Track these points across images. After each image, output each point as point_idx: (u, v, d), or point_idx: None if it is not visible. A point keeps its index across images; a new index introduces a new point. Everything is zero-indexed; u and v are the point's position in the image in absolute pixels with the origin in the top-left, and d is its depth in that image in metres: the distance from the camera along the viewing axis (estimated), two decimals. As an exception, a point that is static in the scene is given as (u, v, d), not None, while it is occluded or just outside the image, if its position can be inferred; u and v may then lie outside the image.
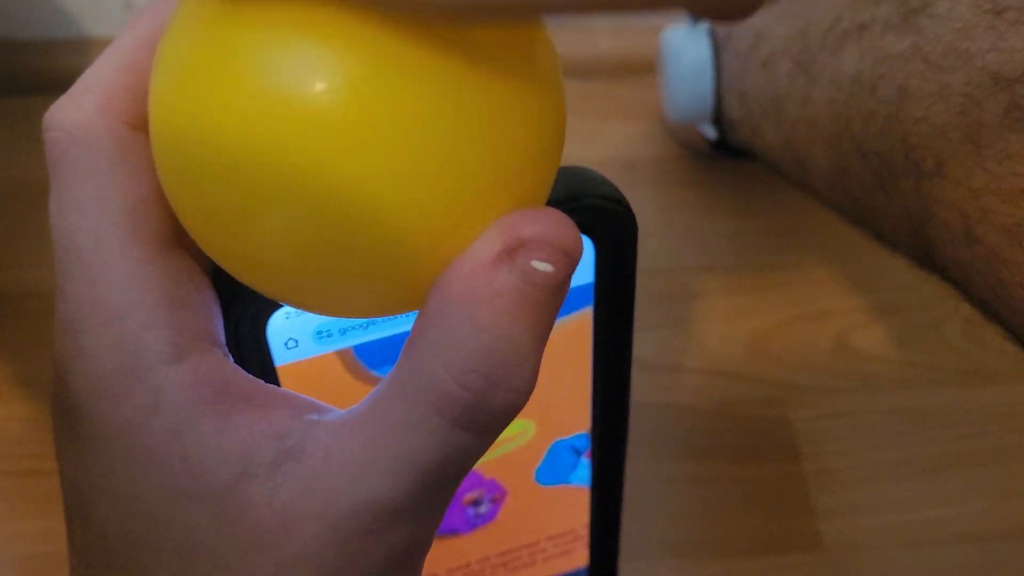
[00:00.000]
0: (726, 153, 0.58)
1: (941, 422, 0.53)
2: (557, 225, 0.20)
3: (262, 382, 0.23)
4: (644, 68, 0.64)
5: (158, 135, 0.20)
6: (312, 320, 0.28)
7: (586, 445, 0.36)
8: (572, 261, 0.20)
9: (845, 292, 0.57)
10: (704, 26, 0.54)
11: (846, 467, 0.51)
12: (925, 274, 0.40)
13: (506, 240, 0.20)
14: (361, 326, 0.29)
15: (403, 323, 0.30)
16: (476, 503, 0.36)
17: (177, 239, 0.22)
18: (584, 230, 0.28)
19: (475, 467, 0.32)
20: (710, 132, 0.57)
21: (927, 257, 0.38)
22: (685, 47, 0.54)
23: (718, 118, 0.55)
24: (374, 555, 0.21)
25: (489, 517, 0.37)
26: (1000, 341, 0.37)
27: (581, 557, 0.40)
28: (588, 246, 0.29)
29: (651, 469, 0.49)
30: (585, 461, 0.36)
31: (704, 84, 0.53)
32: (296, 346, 0.28)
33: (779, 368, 0.54)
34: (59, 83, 0.61)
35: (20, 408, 0.51)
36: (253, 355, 0.27)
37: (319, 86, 0.17)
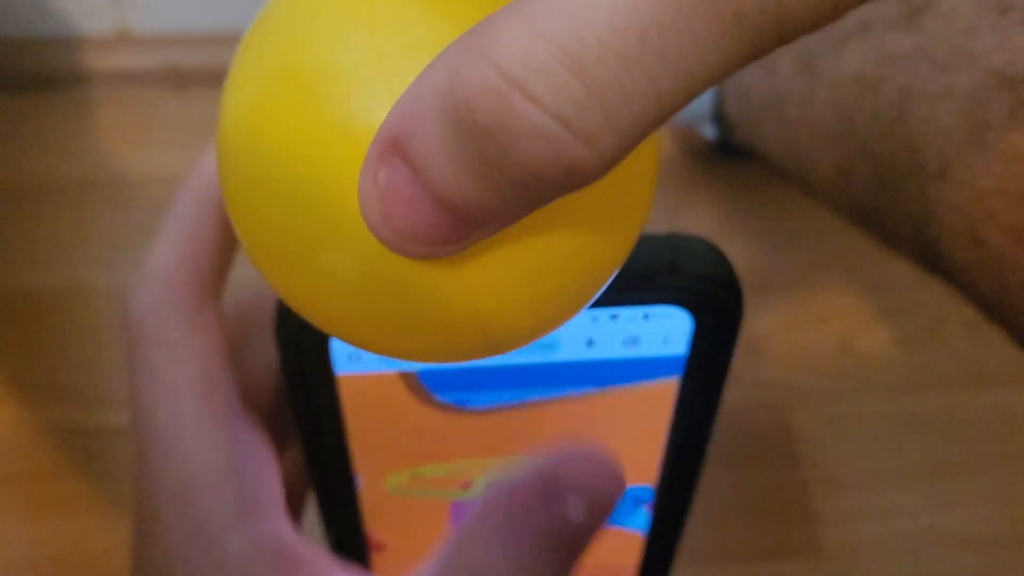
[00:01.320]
0: (726, 154, 0.58)
1: (944, 426, 0.53)
2: (599, 474, 0.22)
3: (316, 547, 0.25)
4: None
5: (228, 163, 0.19)
6: None
7: (648, 498, 0.35)
8: (606, 512, 0.22)
9: (847, 295, 0.57)
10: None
11: (847, 472, 0.51)
12: (928, 276, 0.39)
13: (545, 477, 0.22)
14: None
15: None
16: None
17: (241, 403, 0.25)
18: (682, 303, 0.27)
19: None
20: (710, 133, 0.57)
21: (930, 259, 0.38)
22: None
23: (718, 118, 0.54)
24: None
25: None
26: (1003, 344, 0.36)
27: None
28: (685, 319, 0.28)
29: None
30: (644, 511, 0.36)
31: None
32: (359, 360, 0.28)
33: (780, 371, 0.54)
34: (49, 81, 0.61)
35: (7, 412, 0.51)
36: (314, 361, 0.27)
37: None
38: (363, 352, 0.28)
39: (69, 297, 0.55)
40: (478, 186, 0.14)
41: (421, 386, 0.30)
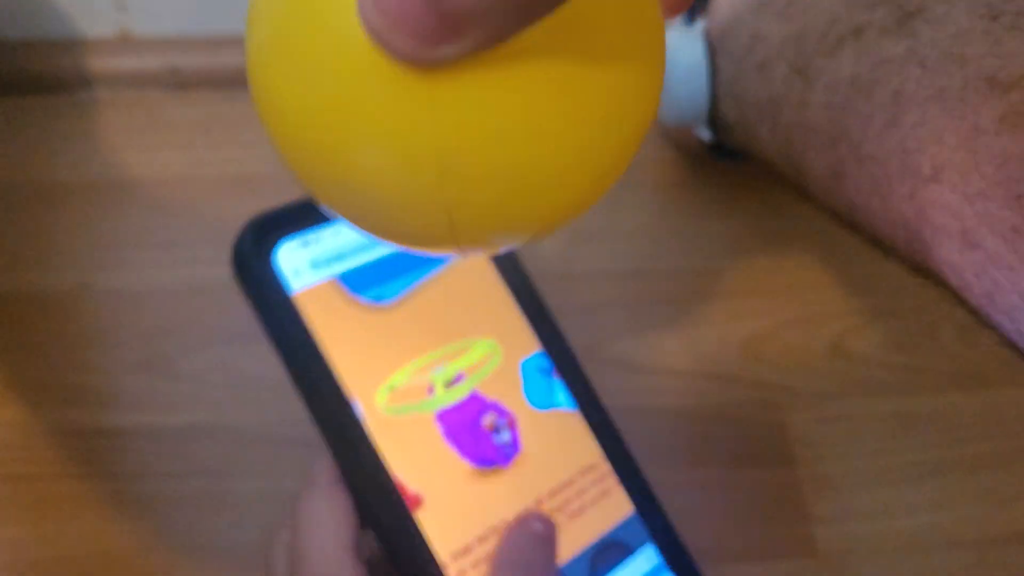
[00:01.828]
0: (721, 155, 0.58)
1: (936, 426, 0.53)
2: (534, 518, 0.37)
3: None
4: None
5: (261, 91, 0.21)
6: (310, 251, 0.36)
7: (548, 364, 0.40)
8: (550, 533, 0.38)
9: (840, 295, 0.57)
10: (699, 28, 0.54)
11: (841, 472, 0.51)
12: (920, 278, 0.40)
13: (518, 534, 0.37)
14: (349, 254, 0.37)
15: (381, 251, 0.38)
16: (496, 429, 0.38)
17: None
18: None
19: (477, 390, 0.38)
20: (705, 134, 0.57)
21: (923, 261, 0.38)
22: (680, 49, 0.54)
23: (713, 121, 0.55)
24: None
25: (515, 447, 0.39)
26: (995, 345, 0.37)
27: (624, 499, 0.42)
28: None
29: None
30: (558, 382, 0.40)
31: (699, 87, 0.53)
32: (301, 275, 0.37)
33: (774, 372, 0.54)
34: (50, 83, 0.61)
35: (9, 413, 0.51)
36: (269, 288, 0.36)
37: None
38: (302, 268, 0.36)
39: (71, 298, 0.55)
40: None
41: (344, 291, 0.37)
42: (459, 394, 0.38)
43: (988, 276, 0.34)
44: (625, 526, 0.41)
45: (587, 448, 0.41)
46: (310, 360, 0.36)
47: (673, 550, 0.42)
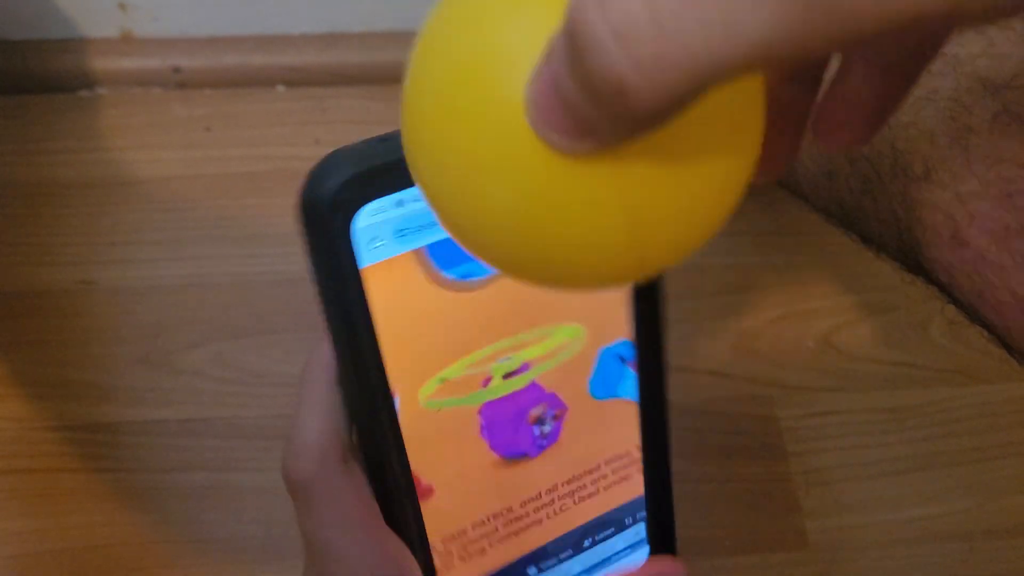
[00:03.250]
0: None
1: (926, 421, 0.53)
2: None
3: None
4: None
5: (415, 139, 0.22)
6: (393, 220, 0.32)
7: (630, 353, 0.38)
8: None
9: (831, 292, 0.58)
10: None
11: (831, 465, 0.52)
12: (911, 275, 0.40)
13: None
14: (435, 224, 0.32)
15: None
16: (540, 421, 0.38)
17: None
18: None
19: (536, 380, 0.37)
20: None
21: (913, 260, 0.38)
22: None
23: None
24: None
25: (553, 438, 0.38)
26: (984, 341, 0.37)
27: (637, 484, 0.41)
28: None
29: (639, 467, 0.50)
30: (631, 372, 0.38)
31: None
32: (380, 248, 0.32)
33: (766, 367, 0.55)
34: (55, 83, 0.61)
35: (13, 407, 0.51)
36: (341, 258, 0.31)
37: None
38: (384, 234, 0.32)
39: (73, 294, 0.55)
40: (573, 91, 0.18)
41: (430, 263, 0.33)
42: (516, 385, 0.37)
43: (979, 274, 0.34)
44: (627, 506, 0.41)
45: (626, 437, 0.40)
46: (359, 342, 0.33)
47: (659, 528, 0.43)
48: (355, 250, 0.31)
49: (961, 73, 0.35)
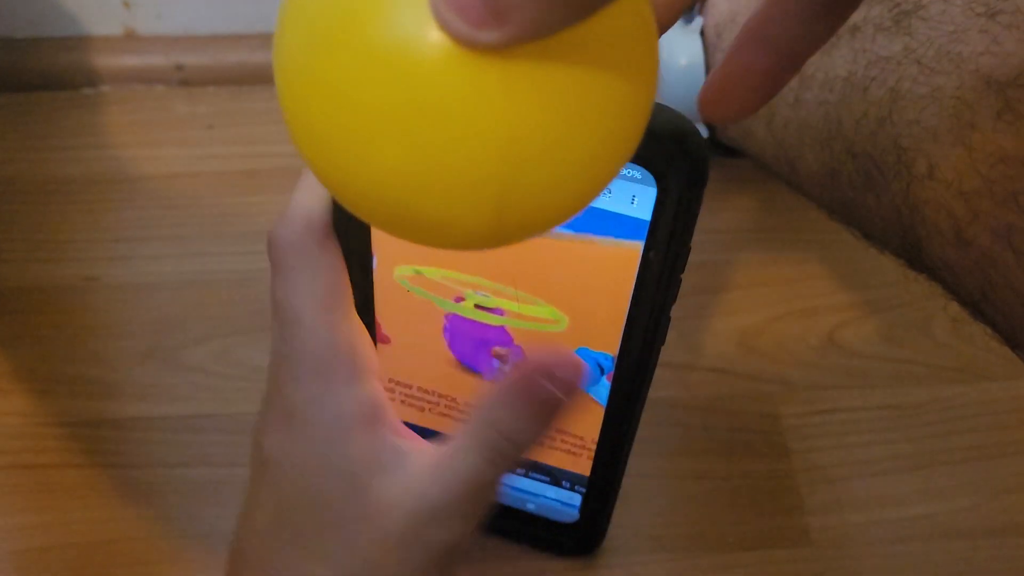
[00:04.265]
0: (717, 151, 0.58)
1: (929, 419, 0.53)
2: (567, 363, 0.31)
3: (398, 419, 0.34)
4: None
5: (287, 89, 0.22)
6: None
7: (610, 367, 0.38)
8: (573, 389, 0.32)
9: (835, 289, 0.58)
10: (697, 26, 0.55)
11: (834, 463, 0.52)
12: (914, 273, 0.40)
13: (538, 364, 0.31)
14: None
15: None
16: (501, 359, 0.39)
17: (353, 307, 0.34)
18: (644, 164, 0.31)
19: (508, 329, 0.37)
20: (702, 131, 0.57)
21: (916, 258, 0.38)
22: (677, 46, 0.54)
23: (710, 117, 0.55)
24: (435, 537, 0.32)
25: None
26: (987, 339, 0.37)
27: (584, 466, 0.42)
28: (651, 183, 0.31)
29: (640, 464, 0.49)
30: (606, 382, 0.39)
31: (696, 83, 0.54)
32: None
33: (769, 364, 0.55)
34: (58, 81, 0.61)
35: (17, 402, 0.51)
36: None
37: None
38: None
39: (77, 291, 0.55)
40: None
41: None
42: (487, 320, 0.37)
43: (982, 273, 0.34)
44: (569, 473, 0.42)
45: (585, 428, 0.41)
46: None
47: (593, 513, 0.44)
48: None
49: (964, 71, 0.35)
